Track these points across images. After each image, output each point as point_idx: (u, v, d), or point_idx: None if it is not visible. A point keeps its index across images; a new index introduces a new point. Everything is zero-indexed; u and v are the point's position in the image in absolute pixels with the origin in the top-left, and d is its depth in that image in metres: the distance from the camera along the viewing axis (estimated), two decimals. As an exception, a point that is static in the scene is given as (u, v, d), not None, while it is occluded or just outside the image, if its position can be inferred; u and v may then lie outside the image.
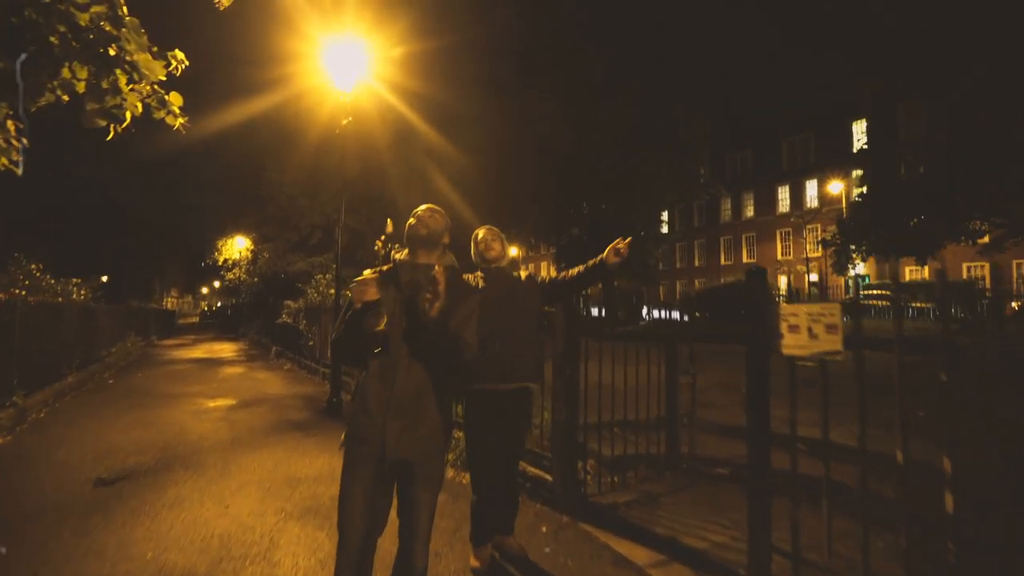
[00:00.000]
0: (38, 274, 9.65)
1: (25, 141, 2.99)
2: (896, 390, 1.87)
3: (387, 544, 1.98)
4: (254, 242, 24.99)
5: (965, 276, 25.23)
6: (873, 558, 2.03)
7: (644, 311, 25.32)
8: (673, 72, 22.29)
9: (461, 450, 4.54)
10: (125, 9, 2.24)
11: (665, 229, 37.05)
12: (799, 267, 31.35)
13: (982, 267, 25.22)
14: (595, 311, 22.93)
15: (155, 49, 2.78)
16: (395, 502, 1.92)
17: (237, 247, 25.73)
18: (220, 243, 26.53)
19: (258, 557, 2.86)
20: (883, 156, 19.37)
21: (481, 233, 2.91)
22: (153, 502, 3.64)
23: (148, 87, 2.76)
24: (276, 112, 19.71)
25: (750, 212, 40.46)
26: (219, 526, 3.25)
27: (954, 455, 1.70)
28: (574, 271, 2.84)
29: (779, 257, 37.49)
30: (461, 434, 4.86)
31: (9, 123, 2.63)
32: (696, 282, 41.92)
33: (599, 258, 2.70)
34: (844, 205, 30.16)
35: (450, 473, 4.28)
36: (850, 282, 26.45)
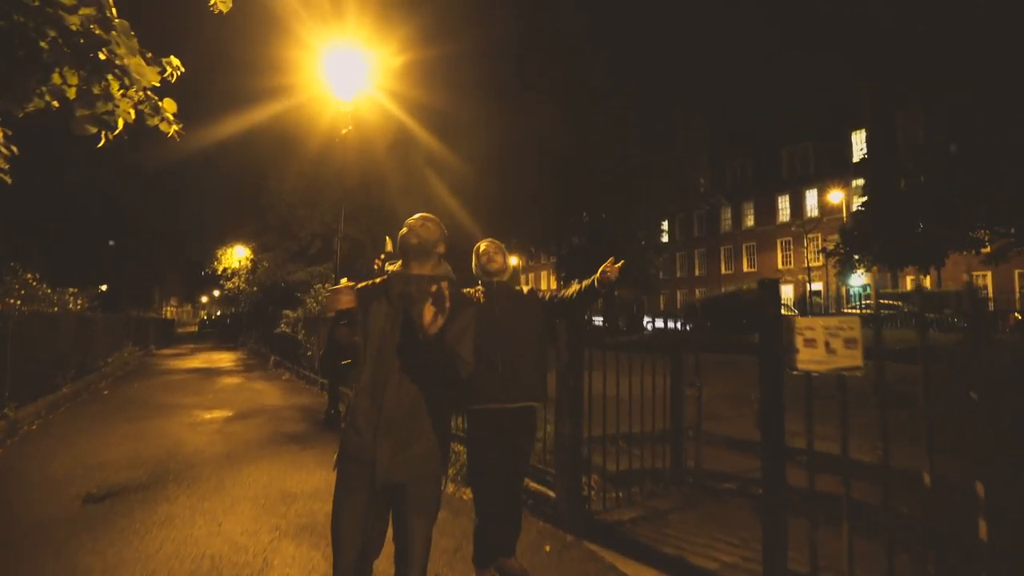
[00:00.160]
0: (34, 283, 9.55)
1: (15, 149, 2.93)
2: (921, 408, 1.78)
3: (384, 566, 1.88)
4: (253, 251, 24.95)
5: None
6: (897, 585, 1.92)
7: (645, 320, 25.22)
8: (671, 74, 22.36)
9: (462, 464, 4.42)
10: (115, 11, 2.17)
11: (665, 238, 37.05)
12: (800, 276, 31.30)
13: (984, 276, 25.15)
14: (597, 320, 22.83)
15: (149, 55, 2.71)
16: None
17: (236, 256, 25.68)
18: (220, 252, 26.47)
19: (250, 579, 2.75)
20: (883, 165, 19.39)
21: (483, 245, 2.82)
22: (143, 520, 3.52)
23: (141, 93, 2.69)
24: (276, 121, 19.74)
25: (750, 222, 40.49)
26: (211, 546, 3.14)
27: (987, 478, 1.61)
28: (570, 291, 2.77)
29: (780, 266, 37.45)
30: (462, 447, 4.76)
31: (-3, 130, 2.56)
32: (697, 291, 41.82)
33: (591, 280, 2.63)
34: (845, 214, 30.19)
35: (450, 488, 4.16)
36: (852, 291, 26.37)
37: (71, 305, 10.80)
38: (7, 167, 2.69)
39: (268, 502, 3.89)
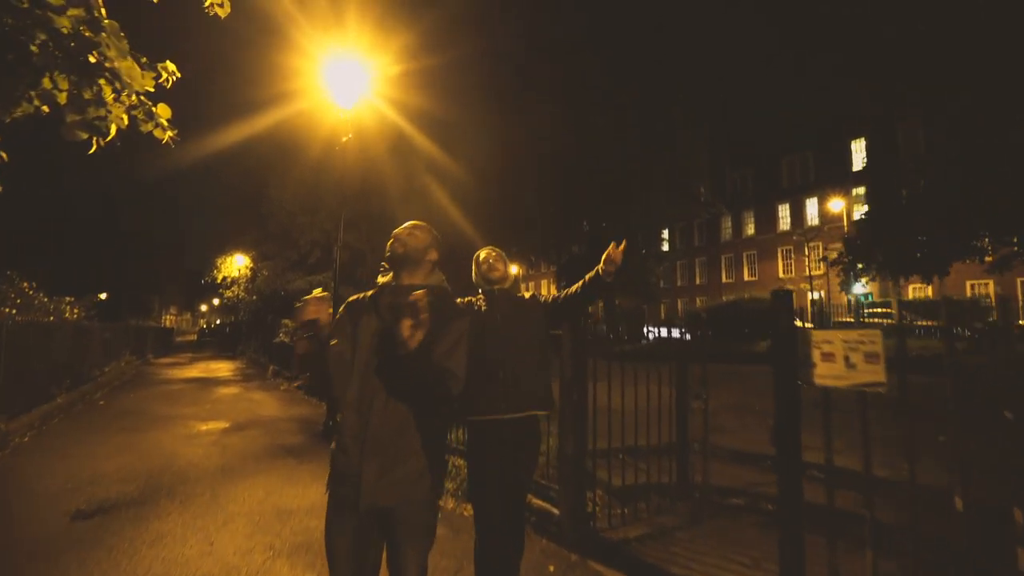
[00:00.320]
0: (31, 292, 9.46)
1: (3, 155, 2.85)
2: (949, 426, 1.68)
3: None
4: (253, 260, 24.90)
5: (969, 294, 25.06)
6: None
7: (646, 329, 25.10)
8: (671, 74, 22.33)
9: (462, 480, 4.31)
10: (104, 11, 2.10)
11: (666, 247, 37.01)
12: (803, 285, 31.21)
13: (986, 285, 25.07)
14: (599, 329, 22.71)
15: (144, 59, 2.64)
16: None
17: (236, 265, 25.62)
18: (219, 261, 26.42)
19: (241, 603, 2.63)
20: (884, 173, 19.36)
21: (484, 254, 2.74)
22: (133, 538, 3.41)
23: (134, 98, 2.62)
24: (277, 129, 19.79)
25: (751, 230, 40.50)
26: (202, 566, 3.02)
27: (1025, 504, 1.51)
28: (573, 288, 2.67)
29: (781, 275, 37.40)
30: (462, 461, 4.65)
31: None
32: (698, 300, 41.74)
33: (594, 271, 2.54)
34: (845, 223, 30.18)
35: (450, 504, 4.04)
36: (853, 300, 26.27)
37: (67, 314, 10.71)
38: (-3, 174, 2.61)
39: (263, 519, 3.77)
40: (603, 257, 2.49)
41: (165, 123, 2.84)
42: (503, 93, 21.20)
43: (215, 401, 9.86)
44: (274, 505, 4.07)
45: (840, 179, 32.74)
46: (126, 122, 2.69)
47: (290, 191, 20.47)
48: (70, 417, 7.96)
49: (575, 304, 2.68)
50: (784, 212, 38.08)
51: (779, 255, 37.88)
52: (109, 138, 2.63)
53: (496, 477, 2.53)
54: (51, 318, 9.49)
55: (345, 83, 7.63)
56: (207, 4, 2.57)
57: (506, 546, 2.60)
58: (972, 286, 25.68)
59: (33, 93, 2.36)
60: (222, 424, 7.53)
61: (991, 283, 24.55)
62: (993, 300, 23.92)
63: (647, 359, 4.03)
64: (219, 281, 26.32)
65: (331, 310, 1.65)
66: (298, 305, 1.66)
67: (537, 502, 3.73)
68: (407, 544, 1.64)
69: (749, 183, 41.09)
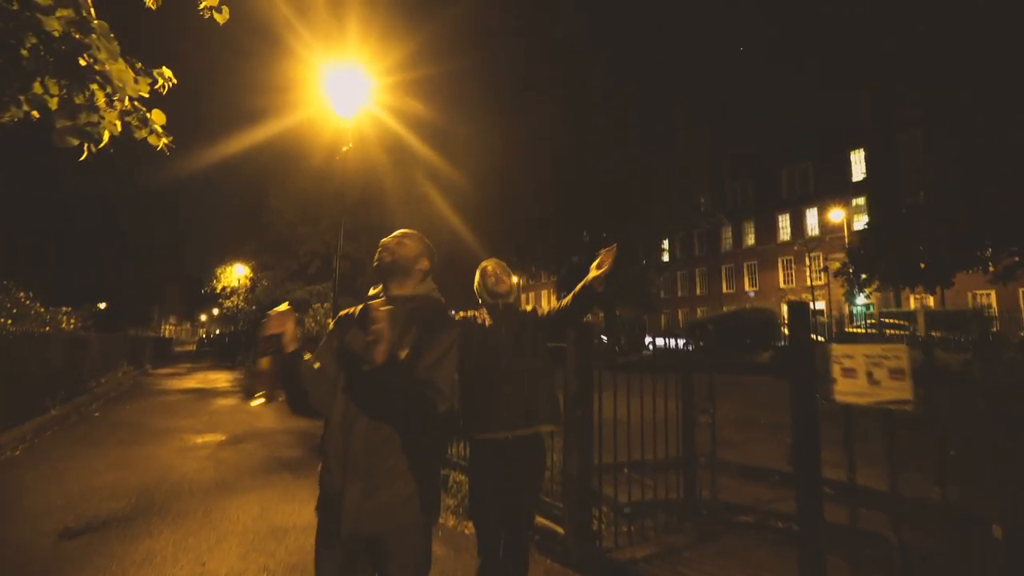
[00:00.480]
0: (27, 302, 9.36)
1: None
2: (994, 451, 1.58)
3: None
4: (253, 270, 24.83)
5: (971, 304, 24.95)
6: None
7: (647, 340, 24.95)
8: (671, 74, 22.37)
9: (463, 496, 4.20)
10: (93, 11, 2.03)
11: (666, 257, 36.99)
12: (804, 295, 31.14)
13: (988, 295, 24.98)
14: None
15: (140, 65, 2.57)
16: None
17: (236, 275, 25.55)
18: (219, 270, 26.35)
19: (232, 630, 2.51)
20: (884, 183, 19.35)
21: (490, 266, 2.64)
22: (121, 558, 3.28)
23: (128, 103, 2.55)
24: (278, 139, 19.84)
25: (751, 240, 40.51)
26: (192, 589, 2.90)
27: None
28: (565, 301, 2.58)
29: (781, 285, 37.34)
30: (463, 477, 4.53)
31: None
32: (699, 310, 41.65)
33: (583, 282, 2.43)
34: (846, 233, 30.16)
35: (451, 522, 3.92)
36: (855, 310, 26.16)
37: (64, 324, 10.60)
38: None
39: (257, 538, 3.65)
40: (593, 264, 2.39)
41: (160, 129, 2.77)
42: (503, 94, 21.27)
43: (212, 413, 9.73)
44: (269, 523, 3.94)
45: (840, 189, 32.80)
46: (119, 128, 2.61)
47: (291, 201, 20.47)
48: (64, 430, 7.83)
49: (568, 318, 2.58)
50: (784, 222, 38.11)
51: (779, 265, 37.85)
52: (102, 144, 2.56)
53: (499, 497, 2.43)
54: (47, 328, 9.38)
55: (346, 92, 7.61)
56: (202, 7, 2.50)
57: (508, 567, 2.49)
58: (974, 296, 25.59)
59: (22, 98, 2.28)
60: (218, 437, 7.40)
61: (993, 293, 24.46)
62: (996, 310, 23.83)
63: (648, 370, 3.91)
64: (219, 291, 26.23)
65: (294, 325, 1.54)
66: (264, 321, 1.57)
67: (541, 520, 3.61)
68: (399, 573, 1.53)
69: (749, 193, 41.17)
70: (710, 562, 3.26)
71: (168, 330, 70.02)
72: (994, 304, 24.78)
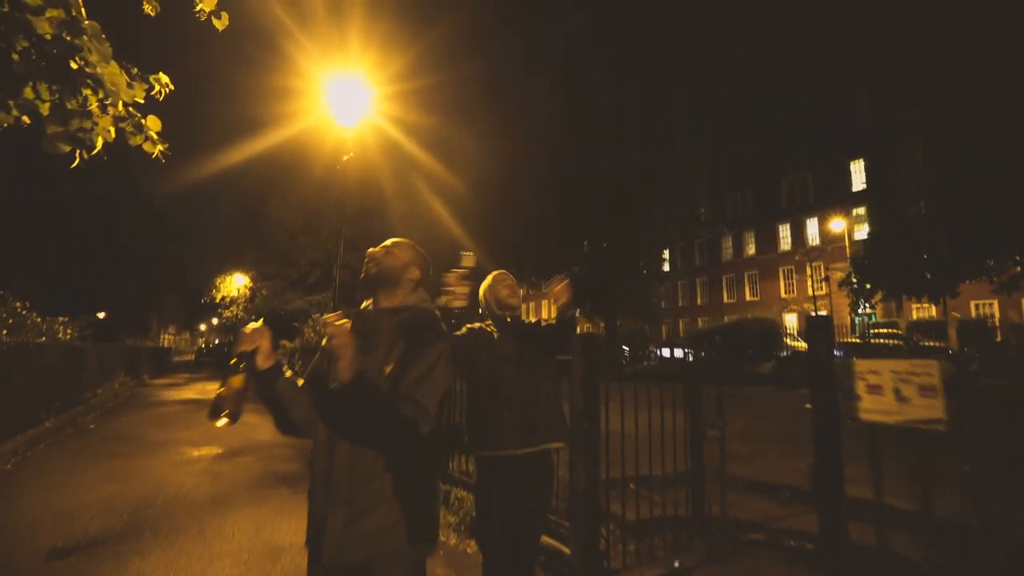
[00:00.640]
0: (23, 312, 9.26)
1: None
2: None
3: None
4: (252, 279, 24.77)
5: (974, 315, 24.84)
6: None
7: (650, 349, 24.82)
8: (671, 74, 22.38)
9: (465, 513, 4.08)
10: (84, 11, 1.96)
11: (667, 267, 36.93)
12: (806, 305, 31.03)
13: (991, 305, 24.88)
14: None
15: (135, 71, 2.50)
16: None
17: (235, 284, 25.48)
18: (218, 280, 26.29)
19: (224, 659, 2.39)
20: (884, 193, 19.33)
21: (501, 280, 2.56)
22: (111, 580, 3.16)
23: (122, 108, 2.47)
24: (279, 149, 19.86)
25: (752, 250, 40.49)
26: (183, 613, 2.77)
27: None
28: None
29: (783, 295, 37.25)
30: (464, 493, 4.40)
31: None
32: (700, 320, 41.53)
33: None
34: (847, 243, 30.11)
35: (452, 540, 3.80)
36: (856, 320, 26.04)
37: (60, 334, 10.49)
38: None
39: (252, 557, 3.52)
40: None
41: (155, 136, 2.69)
42: (503, 95, 21.32)
43: (209, 424, 9.52)
44: (265, 541, 3.81)
45: (840, 199, 32.83)
46: (113, 134, 2.54)
47: (291, 211, 20.48)
48: (57, 442, 7.69)
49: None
50: (785, 232, 38.12)
51: (780, 275, 37.79)
52: (95, 151, 2.48)
53: (506, 518, 2.32)
54: (43, 339, 9.27)
55: (347, 102, 7.57)
56: (197, 9, 2.43)
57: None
58: (977, 306, 25.49)
59: (12, 103, 2.21)
60: (215, 450, 7.27)
61: (996, 303, 24.37)
62: (998, 320, 23.73)
63: (651, 380, 3.80)
64: (218, 301, 26.15)
65: (269, 342, 1.45)
66: (239, 334, 1.48)
67: (546, 540, 3.48)
68: None
69: (749, 202, 41.23)
70: (722, 584, 3.14)
71: (167, 339, 69.75)
72: (996, 314, 24.67)
